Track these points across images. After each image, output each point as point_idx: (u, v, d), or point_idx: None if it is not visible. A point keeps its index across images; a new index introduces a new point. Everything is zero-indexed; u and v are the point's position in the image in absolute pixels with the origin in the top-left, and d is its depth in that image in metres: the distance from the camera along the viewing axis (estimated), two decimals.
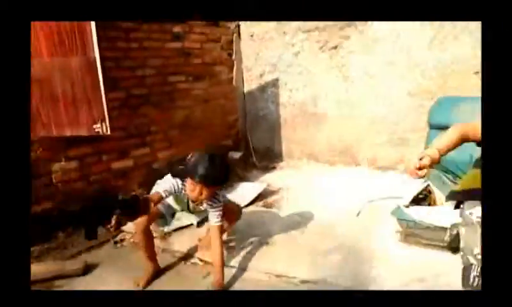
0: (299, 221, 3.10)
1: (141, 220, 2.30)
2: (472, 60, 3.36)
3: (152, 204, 2.15)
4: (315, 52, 4.22)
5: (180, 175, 2.29)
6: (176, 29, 3.97)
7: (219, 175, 2.22)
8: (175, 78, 4.01)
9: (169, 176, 2.36)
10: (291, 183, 3.92)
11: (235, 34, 4.69)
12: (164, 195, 2.23)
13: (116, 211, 1.92)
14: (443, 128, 3.02)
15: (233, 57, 4.71)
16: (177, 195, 2.40)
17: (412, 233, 2.50)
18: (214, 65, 4.46)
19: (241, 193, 3.59)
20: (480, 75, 3.33)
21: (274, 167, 4.56)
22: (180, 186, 2.31)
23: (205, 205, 2.37)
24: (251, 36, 4.68)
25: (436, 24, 3.47)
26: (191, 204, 2.49)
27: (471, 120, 2.85)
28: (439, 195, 2.83)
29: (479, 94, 3.31)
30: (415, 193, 2.73)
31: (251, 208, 3.40)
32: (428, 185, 2.85)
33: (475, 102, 3.01)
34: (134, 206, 2.01)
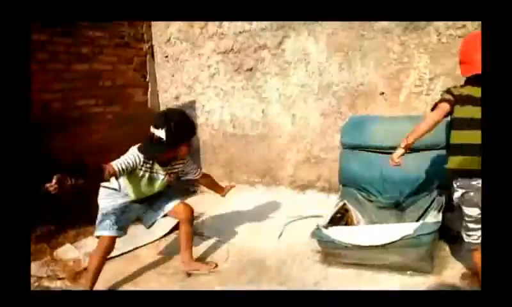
0: (221, 246, 3.02)
1: (108, 240, 2.34)
2: (377, 81, 3.58)
3: (107, 173, 2.09)
4: (231, 73, 4.21)
5: (164, 148, 2.27)
6: (85, 50, 3.73)
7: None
8: (84, 102, 3.76)
9: (133, 149, 2.32)
10: (212, 207, 3.83)
11: (148, 55, 4.53)
12: (117, 168, 2.14)
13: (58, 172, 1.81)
14: (356, 147, 3.18)
15: (147, 79, 4.54)
16: (135, 170, 2.31)
17: (332, 253, 2.55)
18: (126, 87, 4.26)
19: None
20: (385, 95, 3.58)
21: (194, 191, 4.44)
22: (142, 159, 2.29)
23: (180, 166, 2.58)
24: (166, 57, 4.56)
25: (345, 50, 3.65)
26: (165, 177, 2.48)
27: (382, 138, 3.04)
28: (355, 213, 2.94)
29: (385, 113, 3.54)
30: (332, 213, 2.80)
31: (172, 235, 3.25)
32: (344, 203, 2.95)
33: (384, 120, 3.22)
34: (80, 169, 1.99)
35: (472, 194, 1.93)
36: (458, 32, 3.25)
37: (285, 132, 4.09)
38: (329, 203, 3.20)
